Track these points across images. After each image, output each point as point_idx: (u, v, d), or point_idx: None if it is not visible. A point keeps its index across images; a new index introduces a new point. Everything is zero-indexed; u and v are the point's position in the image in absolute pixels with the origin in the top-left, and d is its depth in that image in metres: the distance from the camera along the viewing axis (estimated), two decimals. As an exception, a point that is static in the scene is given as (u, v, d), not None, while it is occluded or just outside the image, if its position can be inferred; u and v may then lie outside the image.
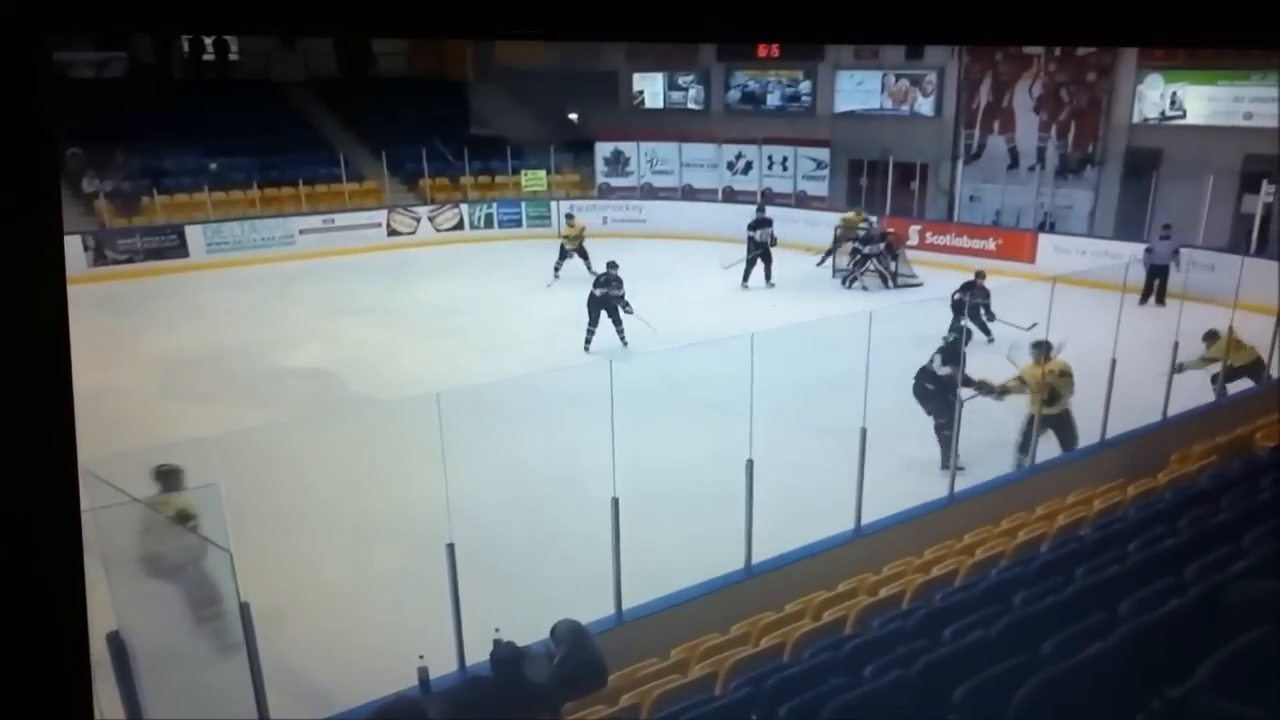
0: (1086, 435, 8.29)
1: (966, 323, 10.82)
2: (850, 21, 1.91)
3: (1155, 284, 14.65)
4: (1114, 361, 7.91)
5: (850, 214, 18.27)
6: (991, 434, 8.50)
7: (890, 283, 16.60)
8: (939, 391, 8.84)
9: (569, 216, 18.40)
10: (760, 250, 16.76)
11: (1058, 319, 8.00)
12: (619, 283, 12.75)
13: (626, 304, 12.69)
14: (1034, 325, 9.41)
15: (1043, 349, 8.41)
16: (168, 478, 6.13)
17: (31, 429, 1.93)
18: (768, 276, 16.83)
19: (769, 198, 20.50)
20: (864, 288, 16.57)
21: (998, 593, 5.23)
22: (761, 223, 16.90)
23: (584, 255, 17.03)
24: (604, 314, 12.69)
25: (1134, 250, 14.85)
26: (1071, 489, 7.11)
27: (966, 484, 7.42)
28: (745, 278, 16.83)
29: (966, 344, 8.98)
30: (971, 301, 12.25)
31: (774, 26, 1.95)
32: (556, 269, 17.17)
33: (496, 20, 1.87)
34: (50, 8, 1.78)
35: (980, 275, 12.89)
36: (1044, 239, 17.80)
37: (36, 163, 1.84)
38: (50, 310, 1.91)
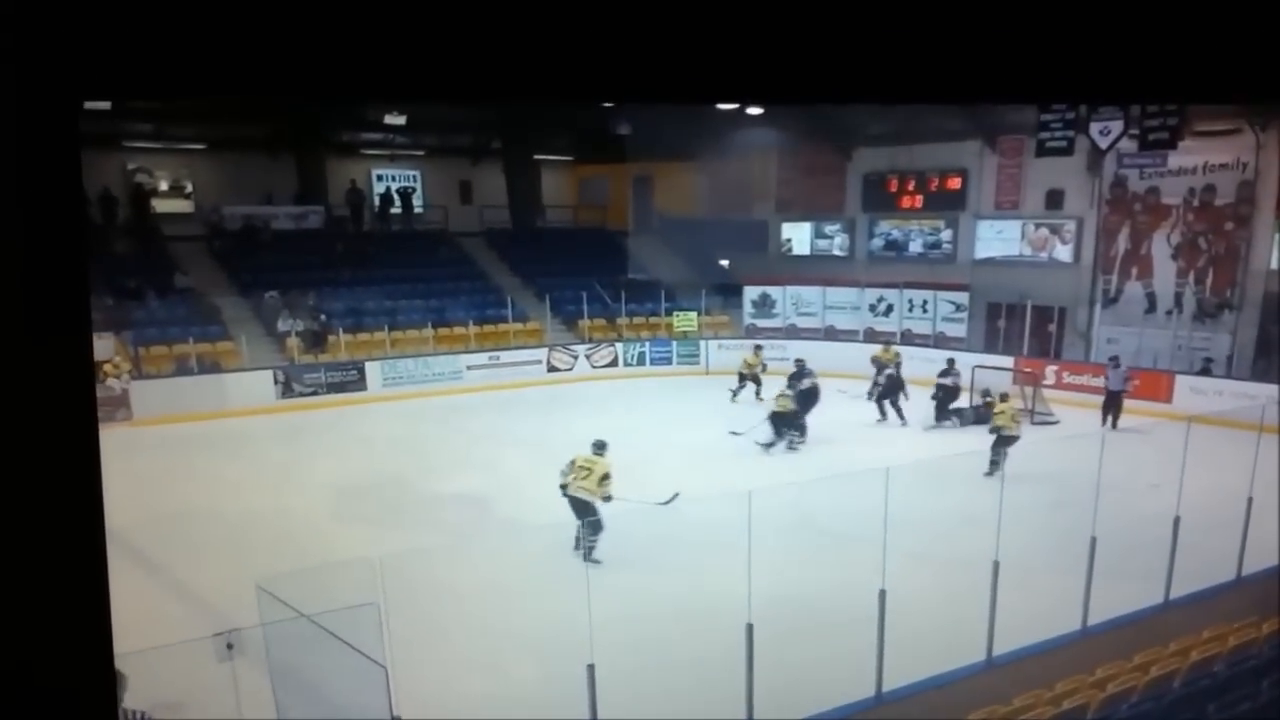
0: (1224, 572, 8.16)
1: None
2: (836, 81, 1.94)
3: (1112, 410, 16.05)
4: (1250, 500, 7.88)
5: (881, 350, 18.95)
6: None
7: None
8: None
9: (758, 347, 20.29)
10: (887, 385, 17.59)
11: (1193, 457, 8.04)
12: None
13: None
14: None
15: (601, 447, 10.40)
16: None
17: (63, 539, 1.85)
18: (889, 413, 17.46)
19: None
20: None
21: (1128, 726, 5.34)
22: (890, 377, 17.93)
23: (758, 383, 18.95)
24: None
25: (1270, 391, 14.52)
26: (1206, 625, 7.06)
27: (1099, 618, 7.45)
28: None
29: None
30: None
31: (775, 88, 1.95)
32: (735, 392, 19.11)
33: (508, 85, 1.88)
34: (85, 76, 1.76)
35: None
36: (1180, 380, 17.66)
37: (69, 228, 1.81)
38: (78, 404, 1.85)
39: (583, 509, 10.13)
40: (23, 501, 1.82)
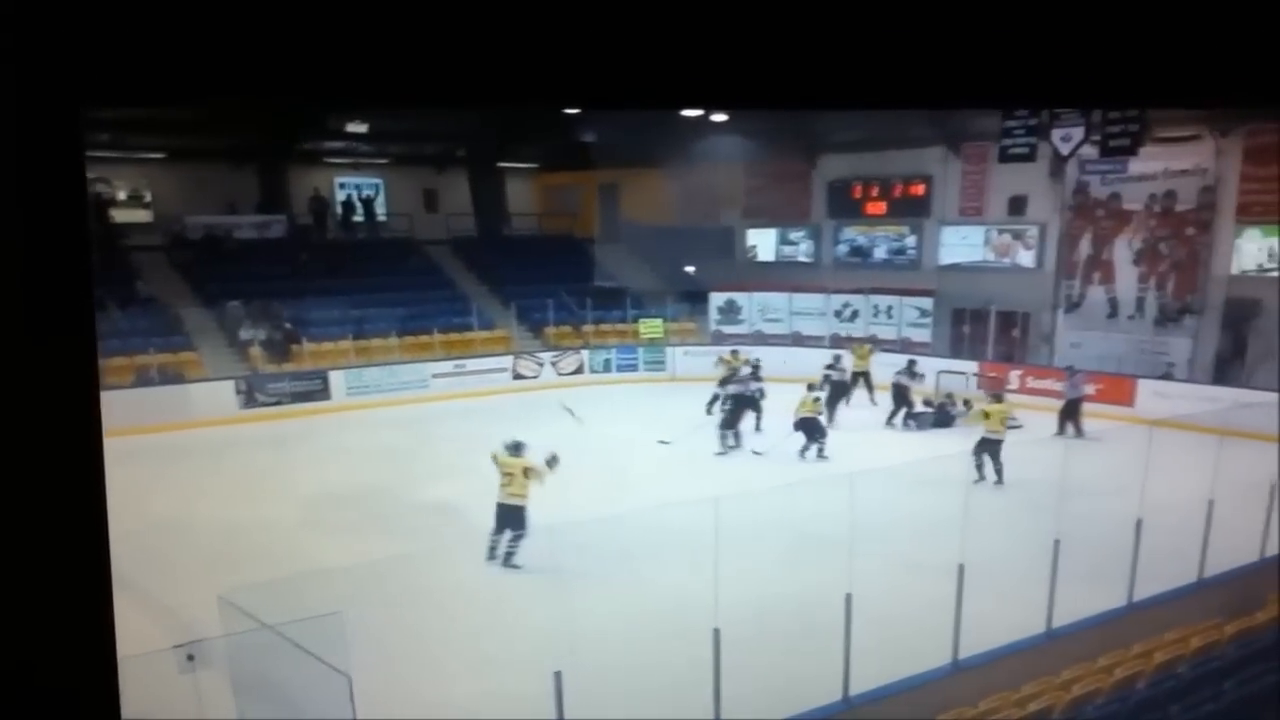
0: (1186, 574, 8.26)
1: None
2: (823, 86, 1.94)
3: (1071, 418, 16.23)
4: (1211, 502, 7.98)
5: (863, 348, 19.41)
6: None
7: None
8: None
9: (734, 351, 19.84)
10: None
11: (1156, 461, 8.12)
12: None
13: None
14: None
15: (516, 448, 10.32)
16: None
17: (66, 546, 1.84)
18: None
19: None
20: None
21: (1093, 728, 5.38)
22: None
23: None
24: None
25: (1233, 395, 14.80)
26: (1169, 627, 7.14)
27: (1064, 621, 7.50)
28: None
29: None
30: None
31: (742, 93, 1.96)
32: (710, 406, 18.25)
33: (504, 91, 1.90)
34: (88, 82, 1.78)
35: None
36: (1143, 384, 17.97)
37: (72, 231, 1.82)
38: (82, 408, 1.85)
39: (513, 516, 10.12)
40: (26, 500, 1.81)
